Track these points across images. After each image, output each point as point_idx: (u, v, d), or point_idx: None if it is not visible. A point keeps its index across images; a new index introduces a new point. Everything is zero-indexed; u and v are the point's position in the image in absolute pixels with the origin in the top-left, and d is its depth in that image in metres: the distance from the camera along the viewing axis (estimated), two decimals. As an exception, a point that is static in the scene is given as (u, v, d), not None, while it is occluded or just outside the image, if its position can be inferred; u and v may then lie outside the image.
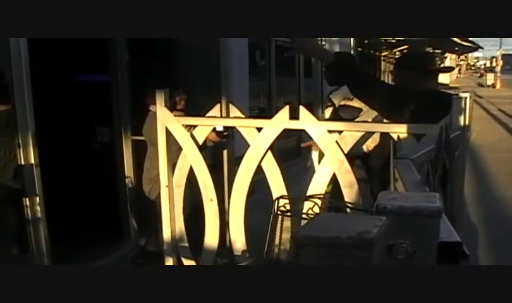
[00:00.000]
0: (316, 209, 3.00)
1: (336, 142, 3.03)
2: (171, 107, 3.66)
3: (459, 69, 72.77)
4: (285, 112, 3.11)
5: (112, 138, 6.13)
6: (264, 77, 9.76)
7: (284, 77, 10.87)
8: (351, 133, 3.03)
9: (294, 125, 3.11)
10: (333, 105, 4.85)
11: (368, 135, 3.27)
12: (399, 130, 2.86)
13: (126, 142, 5.98)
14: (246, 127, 3.25)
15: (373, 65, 22.22)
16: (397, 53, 25.08)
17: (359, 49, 16.52)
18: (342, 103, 4.66)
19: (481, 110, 24.24)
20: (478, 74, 79.11)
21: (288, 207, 3.14)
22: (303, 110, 3.07)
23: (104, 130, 6.39)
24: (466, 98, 2.72)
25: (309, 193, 3.11)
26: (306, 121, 3.07)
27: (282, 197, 3.16)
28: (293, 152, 9.57)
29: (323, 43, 10.29)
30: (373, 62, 22.25)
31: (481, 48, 53.76)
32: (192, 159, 3.40)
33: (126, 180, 5.97)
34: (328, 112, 4.92)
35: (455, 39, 29.22)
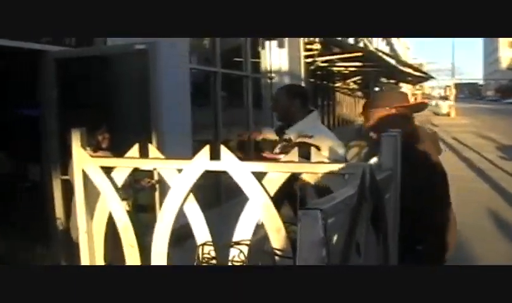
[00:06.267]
0: (243, 256, 2.80)
1: (261, 184, 2.80)
2: (96, 146, 3.43)
3: (415, 98, 74.07)
4: (205, 152, 2.87)
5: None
6: (210, 109, 9.51)
7: (233, 109, 10.72)
8: (276, 174, 2.81)
9: (215, 166, 2.88)
10: (288, 140, 4.61)
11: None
12: (324, 170, 2.66)
13: (55, 182, 5.63)
14: (165, 168, 3.01)
15: (327, 96, 22.25)
16: (351, 84, 25.27)
17: (312, 80, 16.49)
18: (299, 140, 4.44)
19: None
20: (434, 103, 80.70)
21: (213, 254, 2.93)
22: (224, 150, 2.84)
23: (36, 168, 6.12)
24: (396, 136, 2.54)
25: (234, 239, 2.88)
26: (227, 162, 2.84)
27: (206, 243, 2.95)
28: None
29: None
30: (327, 93, 22.29)
31: (434, 78, 55.04)
32: (110, 203, 3.14)
33: (57, 222, 5.62)
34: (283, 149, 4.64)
35: (409, 70, 29.75)
